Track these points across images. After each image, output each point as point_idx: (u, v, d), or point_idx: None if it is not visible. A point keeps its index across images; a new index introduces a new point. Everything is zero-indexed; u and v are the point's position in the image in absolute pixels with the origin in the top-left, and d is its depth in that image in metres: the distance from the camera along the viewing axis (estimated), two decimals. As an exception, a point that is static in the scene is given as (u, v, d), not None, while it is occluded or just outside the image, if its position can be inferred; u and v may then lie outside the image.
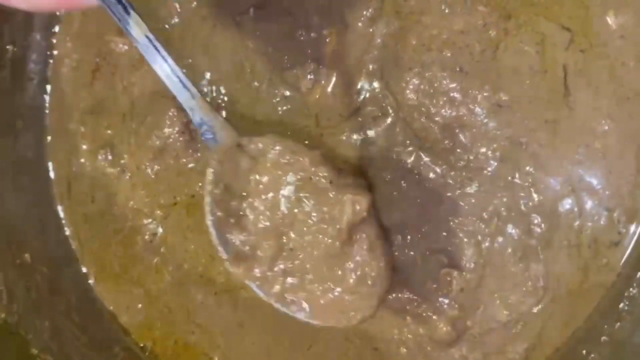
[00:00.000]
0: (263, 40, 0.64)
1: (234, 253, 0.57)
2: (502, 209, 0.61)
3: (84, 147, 0.69)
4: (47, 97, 0.71)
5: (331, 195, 0.56)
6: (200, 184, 0.66)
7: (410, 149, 0.63)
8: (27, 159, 0.69)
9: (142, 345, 0.67)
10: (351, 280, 0.56)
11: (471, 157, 0.62)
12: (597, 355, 0.59)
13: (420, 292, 0.62)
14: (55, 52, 0.70)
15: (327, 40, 0.64)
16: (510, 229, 0.61)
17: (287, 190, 0.57)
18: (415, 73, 0.63)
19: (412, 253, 0.62)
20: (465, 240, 0.62)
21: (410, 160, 0.63)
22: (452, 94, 0.62)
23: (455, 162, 0.62)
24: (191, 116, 0.58)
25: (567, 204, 0.61)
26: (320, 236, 0.56)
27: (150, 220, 0.67)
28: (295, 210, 0.56)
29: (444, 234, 0.62)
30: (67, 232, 0.70)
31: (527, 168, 0.61)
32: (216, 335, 0.66)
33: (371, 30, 0.63)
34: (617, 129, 0.61)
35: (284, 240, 0.57)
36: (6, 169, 0.68)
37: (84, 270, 0.69)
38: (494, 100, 0.62)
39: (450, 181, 0.62)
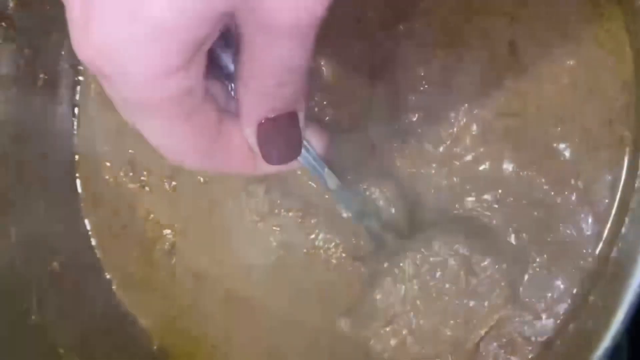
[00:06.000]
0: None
1: None
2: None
3: (108, 164, 0.75)
4: (74, 120, 0.77)
5: None
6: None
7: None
8: (58, 177, 0.75)
9: (158, 346, 0.72)
10: None
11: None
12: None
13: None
14: (81, 78, 0.77)
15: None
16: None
17: None
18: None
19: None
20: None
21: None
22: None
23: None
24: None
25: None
26: None
27: (168, 231, 0.73)
28: None
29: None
30: (93, 243, 0.75)
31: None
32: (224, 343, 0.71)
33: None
34: (582, 63, 0.61)
35: None
36: (39, 186, 0.73)
37: (108, 277, 0.75)
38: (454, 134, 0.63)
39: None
